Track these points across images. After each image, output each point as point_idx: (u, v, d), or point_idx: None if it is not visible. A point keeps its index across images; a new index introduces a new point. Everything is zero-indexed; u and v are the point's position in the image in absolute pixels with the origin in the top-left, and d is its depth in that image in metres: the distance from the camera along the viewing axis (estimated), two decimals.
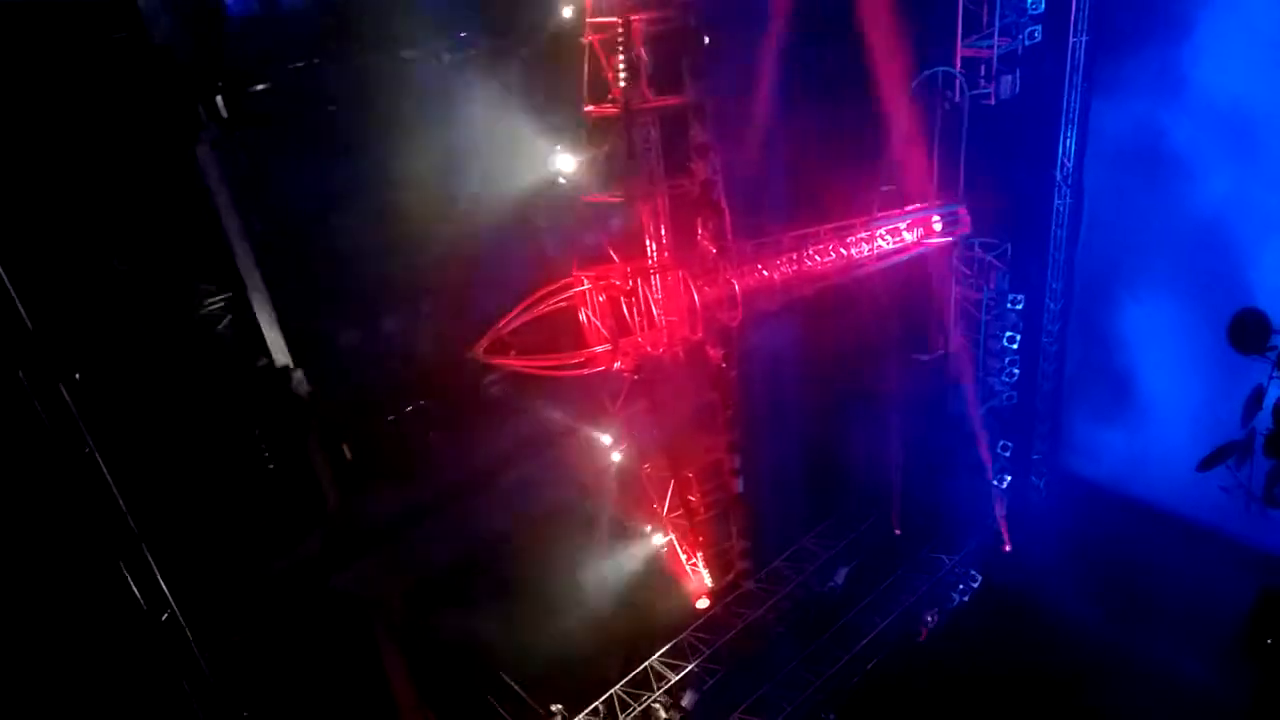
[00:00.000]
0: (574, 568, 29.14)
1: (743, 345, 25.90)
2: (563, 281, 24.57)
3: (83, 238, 19.69)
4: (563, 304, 24.45)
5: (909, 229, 27.38)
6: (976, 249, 29.88)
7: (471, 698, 27.53)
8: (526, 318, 24.13)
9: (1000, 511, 33.85)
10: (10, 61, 17.93)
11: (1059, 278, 31.66)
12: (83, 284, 19.87)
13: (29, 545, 20.03)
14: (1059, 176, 30.09)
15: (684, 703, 28.42)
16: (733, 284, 24.14)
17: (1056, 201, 30.50)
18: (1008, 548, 33.87)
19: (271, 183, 22.95)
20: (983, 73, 27.20)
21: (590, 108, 23.18)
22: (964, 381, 32.14)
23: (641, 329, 24.47)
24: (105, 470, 20.24)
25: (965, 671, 28.76)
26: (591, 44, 22.31)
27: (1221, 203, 27.06)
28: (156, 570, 21.57)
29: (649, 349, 24.71)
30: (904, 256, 27.51)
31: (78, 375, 19.54)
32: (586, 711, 28.07)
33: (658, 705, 28.52)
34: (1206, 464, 9.83)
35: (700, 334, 24.51)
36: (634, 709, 28.27)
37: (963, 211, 28.19)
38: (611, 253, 24.63)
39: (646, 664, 29.22)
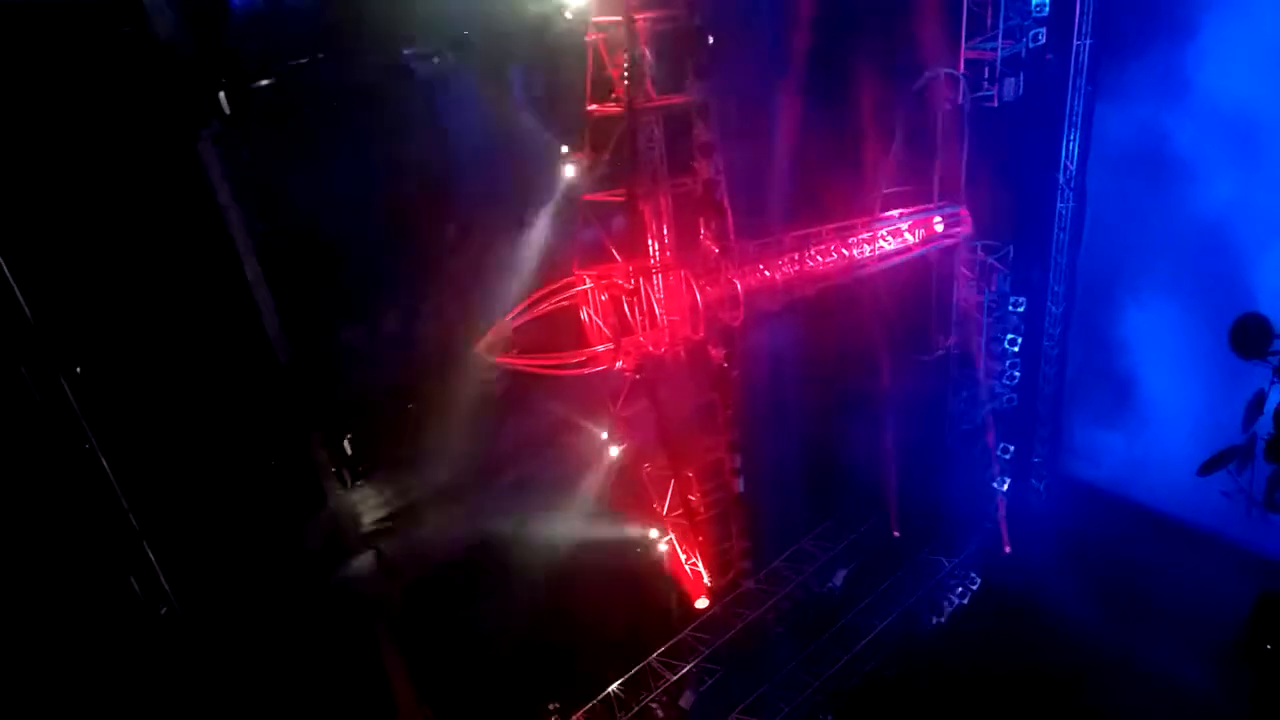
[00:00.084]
0: (573, 566, 29.13)
1: (744, 345, 25.89)
2: (565, 280, 24.57)
3: (85, 233, 19.70)
4: (565, 303, 24.45)
5: (910, 230, 27.39)
6: (978, 251, 29.85)
7: (470, 695, 27.51)
8: (529, 316, 24.14)
9: (1000, 514, 33.83)
10: (14, 57, 17.94)
11: (1061, 281, 31.64)
12: (85, 279, 19.88)
13: (30, 540, 20.03)
14: (1062, 179, 30.07)
15: (682, 703, 28.39)
16: (735, 284, 24.13)
17: (1059, 204, 30.48)
18: (1008, 550, 33.83)
19: (273, 179, 22.96)
20: (986, 75, 27.18)
21: (593, 107, 23.17)
22: (965, 383, 32.16)
23: (643, 328, 24.46)
24: (106, 465, 20.27)
25: (964, 673, 28.76)
26: (595, 43, 22.29)
27: (1224, 207, 27.03)
28: (156, 565, 21.59)
29: (651, 348, 24.70)
30: (905, 257, 27.51)
31: (79, 369, 19.56)
32: (584, 710, 28.05)
33: (655, 705, 28.49)
34: (1207, 468, 9.82)
35: (702, 333, 24.50)
36: (632, 708, 28.24)
37: (964, 213, 28.19)
38: (614, 252, 24.63)
39: (645, 663, 29.18)
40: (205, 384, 22.20)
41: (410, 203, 25.86)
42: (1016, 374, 31.79)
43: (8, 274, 18.34)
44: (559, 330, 24.85)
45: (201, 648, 22.64)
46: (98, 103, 19.15)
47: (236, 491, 23.14)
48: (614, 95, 22.69)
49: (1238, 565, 26.99)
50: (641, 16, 21.70)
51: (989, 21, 26.71)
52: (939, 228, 27.95)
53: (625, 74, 22.11)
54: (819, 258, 25.65)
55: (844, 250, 26.07)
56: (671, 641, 29.77)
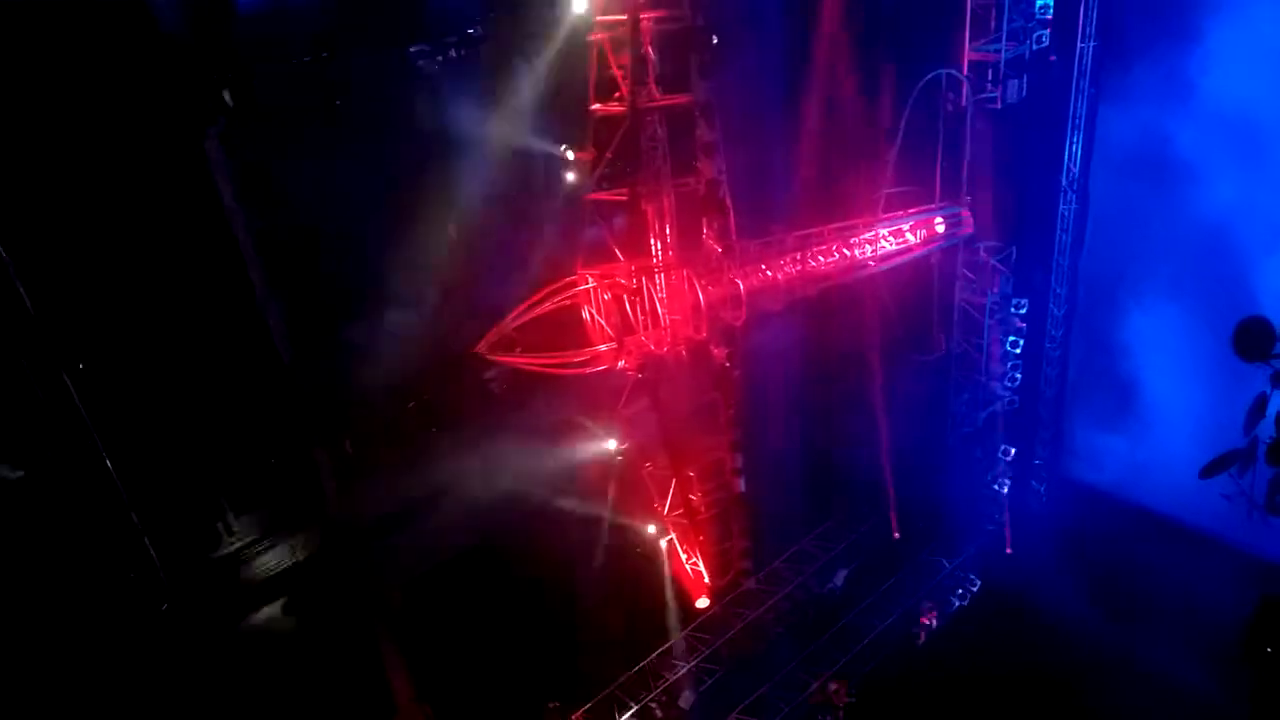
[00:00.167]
0: (573, 565, 29.16)
1: (745, 345, 25.91)
2: (568, 279, 24.58)
3: (89, 229, 19.73)
4: (567, 302, 24.45)
5: (912, 230, 27.40)
6: (981, 252, 29.84)
7: (469, 694, 27.53)
8: (531, 315, 24.14)
9: (1001, 515, 33.84)
10: (18, 52, 17.97)
11: (1063, 283, 31.64)
12: (88, 275, 19.91)
13: (31, 536, 20.07)
14: (1065, 181, 30.06)
15: (681, 702, 28.40)
16: (737, 283, 24.15)
17: (1062, 206, 30.47)
18: (1009, 550, 33.83)
19: (277, 176, 23.00)
20: (990, 77, 27.17)
21: (597, 106, 23.19)
22: (966, 385, 32.16)
23: (645, 327, 24.47)
24: (108, 462, 20.32)
25: (964, 675, 28.73)
26: (599, 42, 22.31)
27: (1227, 210, 27.02)
28: (157, 561, 21.64)
29: (653, 348, 24.71)
30: (907, 257, 27.52)
31: (81, 366, 19.61)
32: (584, 710, 28.05)
33: (654, 705, 28.49)
34: (1208, 471, 9.78)
35: (704, 333, 24.51)
36: (632, 708, 28.24)
37: (965, 213, 28.20)
38: (616, 251, 24.64)
39: (645, 663, 29.18)
40: (207, 381, 22.25)
41: (413, 201, 25.89)
42: (1018, 376, 31.77)
43: (11, 270, 18.38)
44: (561, 330, 24.86)
45: (202, 646, 22.69)
46: (103, 99, 19.19)
47: (237, 490, 23.21)
48: (617, 95, 22.71)
49: (1238, 568, 26.99)
50: (645, 16, 21.72)
51: (993, 23, 26.69)
52: (940, 228, 27.95)
53: (628, 73, 22.12)
54: (820, 258, 25.66)
55: (845, 250, 26.07)
56: (671, 641, 29.77)
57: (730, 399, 26.08)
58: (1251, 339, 8.99)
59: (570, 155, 25.66)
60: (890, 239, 27.00)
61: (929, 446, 33.38)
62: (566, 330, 24.87)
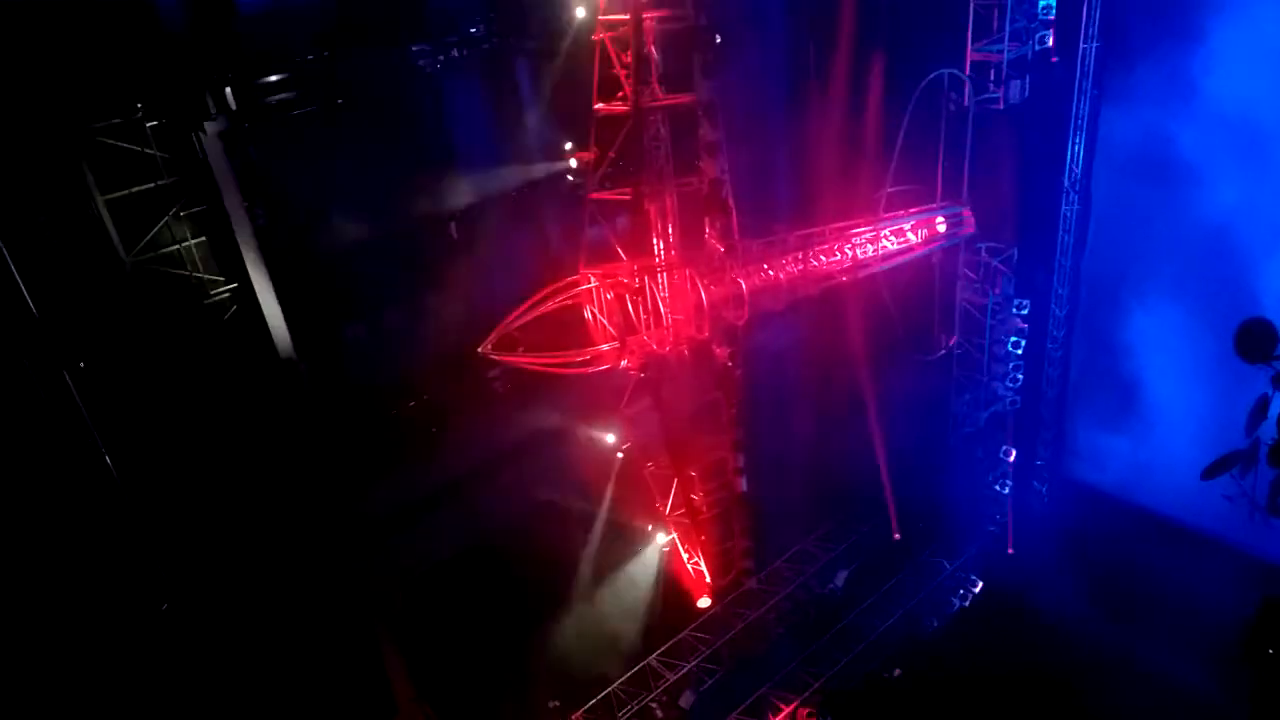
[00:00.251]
0: (574, 564, 29.18)
1: (747, 344, 25.91)
2: (570, 279, 24.59)
3: (90, 228, 19.72)
4: (569, 301, 24.47)
5: (913, 229, 27.40)
6: (983, 253, 29.82)
7: (469, 693, 27.55)
8: (534, 314, 24.15)
9: (1003, 516, 33.82)
10: (20, 49, 17.97)
11: (1065, 284, 31.61)
12: (89, 274, 19.90)
13: (32, 534, 20.07)
14: (1067, 182, 30.04)
15: (682, 702, 28.40)
16: (740, 283, 24.15)
17: (1064, 207, 30.45)
18: (1011, 550, 33.81)
19: (278, 174, 23.00)
20: (992, 77, 27.15)
21: (600, 105, 23.19)
22: (967, 385, 32.15)
23: (648, 327, 24.48)
24: (109, 460, 20.30)
25: (965, 676, 28.73)
26: (603, 41, 22.31)
27: (1229, 211, 27.00)
28: (157, 560, 21.62)
29: (655, 347, 24.72)
30: (909, 257, 27.52)
31: (82, 364, 19.59)
32: (584, 709, 28.06)
33: (655, 704, 28.50)
34: (1210, 472, 9.77)
35: (707, 333, 24.52)
36: (631, 707, 28.25)
37: (967, 213, 28.19)
38: (619, 250, 24.65)
39: (645, 662, 29.19)
40: (208, 380, 22.22)
41: (415, 200, 25.91)
42: (1020, 376, 31.73)
43: (13, 269, 18.38)
44: (562, 329, 24.87)
45: (202, 644, 22.68)
46: (105, 97, 19.18)
47: (238, 488, 23.16)
48: (620, 94, 22.71)
49: (1240, 569, 27.00)
50: (648, 15, 21.73)
51: (995, 24, 26.68)
52: (942, 228, 27.96)
53: (631, 73, 22.12)
54: (822, 257, 25.67)
55: (847, 250, 26.08)
56: (672, 641, 29.78)
57: (732, 398, 26.08)
58: (1253, 340, 8.98)
59: (573, 155, 25.66)
60: (892, 238, 27.00)
61: (930, 447, 33.38)
62: (569, 330, 24.89)
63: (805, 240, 25.48)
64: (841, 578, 32.22)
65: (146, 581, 21.77)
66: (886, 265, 27.14)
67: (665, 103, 23.03)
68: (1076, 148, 29.55)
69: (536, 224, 27.34)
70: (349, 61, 23.61)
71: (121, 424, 20.49)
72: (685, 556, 28.33)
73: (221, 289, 21.90)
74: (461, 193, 26.66)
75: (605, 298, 24.47)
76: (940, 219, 27.90)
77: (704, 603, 29.44)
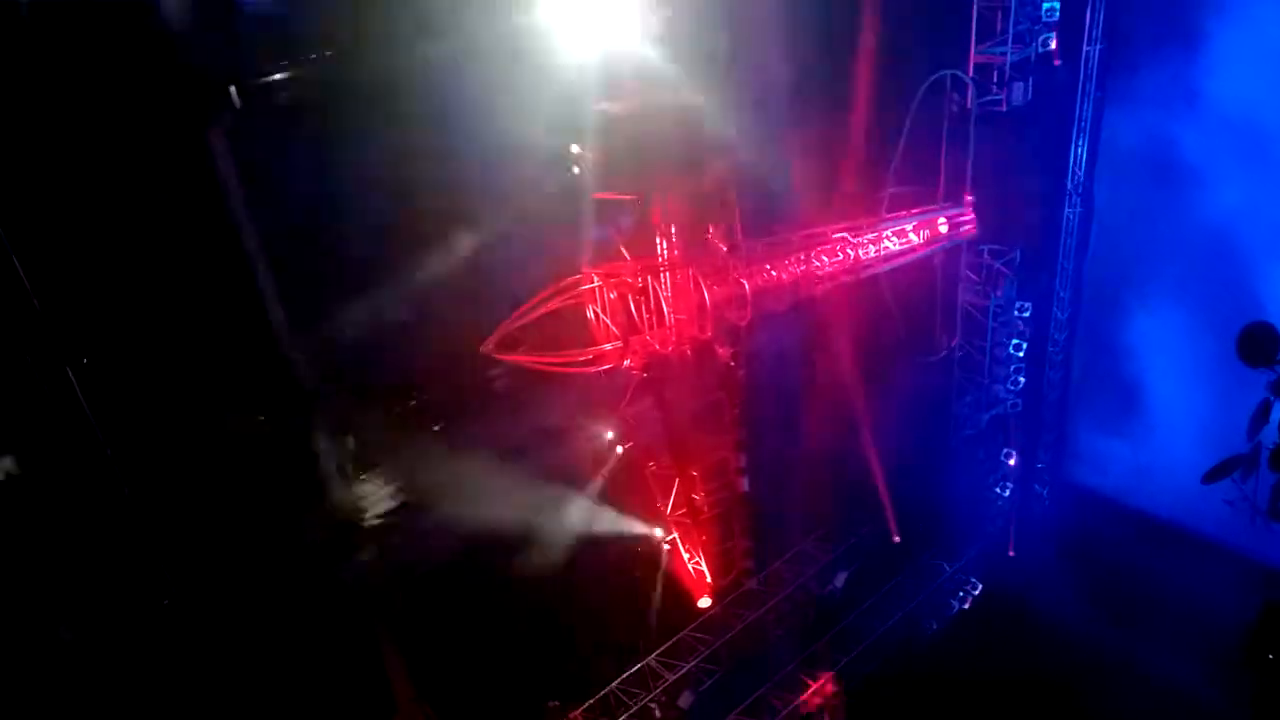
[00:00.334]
0: (575, 564, 29.13)
1: (750, 344, 25.92)
2: (573, 278, 24.59)
3: (93, 225, 19.73)
4: (572, 301, 24.47)
5: (915, 230, 27.41)
6: (985, 255, 29.84)
7: (469, 693, 27.53)
8: (537, 314, 24.15)
9: (1003, 518, 33.83)
10: (22, 47, 17.98)
11: (1067, 286, 31.60)
12: (92, 270, 19.91)
13: (32, 531, 20.08)
14: (1070, 185, 30.04)
15: (681, 703, 28.38)
16: (742, 283, 24.15)
17: (1066, 210, 30.44)
18: (1011, 553, 33.81)
19: (281, 173, 22.98)
20: (995, 79, 27.17)
21: (604, 105, 23.16)
22: (969, 388, 32.16)
23: (651, 327, 24.48)
24: (110, 456, 20.30)
25: (964, 679, 28.73)
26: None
27: (1232, 214, 27.00)
28: (157, 556, 21.62)
29: (658, 347, 24.72)
30: (911, 258, 27.53)
31: (85, 360, 19.59)
32: (583, 709, 28.05)
33: (654, 705, 28.49)
34: (1211, 476, 9.80)
35: (709, 332, 24.52)
36: (630, 707, 28.24)
37: (969, 215, 28.19)
38: (622, 250, 24.65)
39: (644, 662, 29.18)
40: (210, 376, 22.22)
41: (418, 198, 25.88)
42: (1021, 379, 31.78)
43: (16, 264, 18.38)
44: (564, 328, 24.87)
45: (202, 642, 22.68)
46: (107, 95, 19.18)
47: (238, 485, 23.16)
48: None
49: (1240, 574, 26.97)
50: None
51: (999, 25, 26.69)
52: (943, 229, 27.96)
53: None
54: (825, 258, 25.68)
55: (850, 250, 26.08)
56: (671, 641, 29.76)
57: (734, 398, 26.09)
58: (1256, 344, 9.01)
59: (577, 153, 25.62)
60: (894, 239, 27.01)
61: (931, 449, 33.37)
62: (570, 329, 24.89)
63: (808, 240, 25.48)
64: (841, 579, 32.18)
65: (148, 578, 21.77)
66: (889, 266, 27.14)
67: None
68: (1079, 150, 29.53)
69: (539, 223, 27.29)
70: (354, 59, 23.59)
71: (124, 420, 20.49)
72: (686, 556, 28.33)
73: (225, 286, 21.90)
74: (465, 191, 26.62)
75: (608, 297, 24.47)
76: (942, 220, 27.91)
77: (704, 603, 29.44)
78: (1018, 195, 28.94)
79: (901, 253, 27.26)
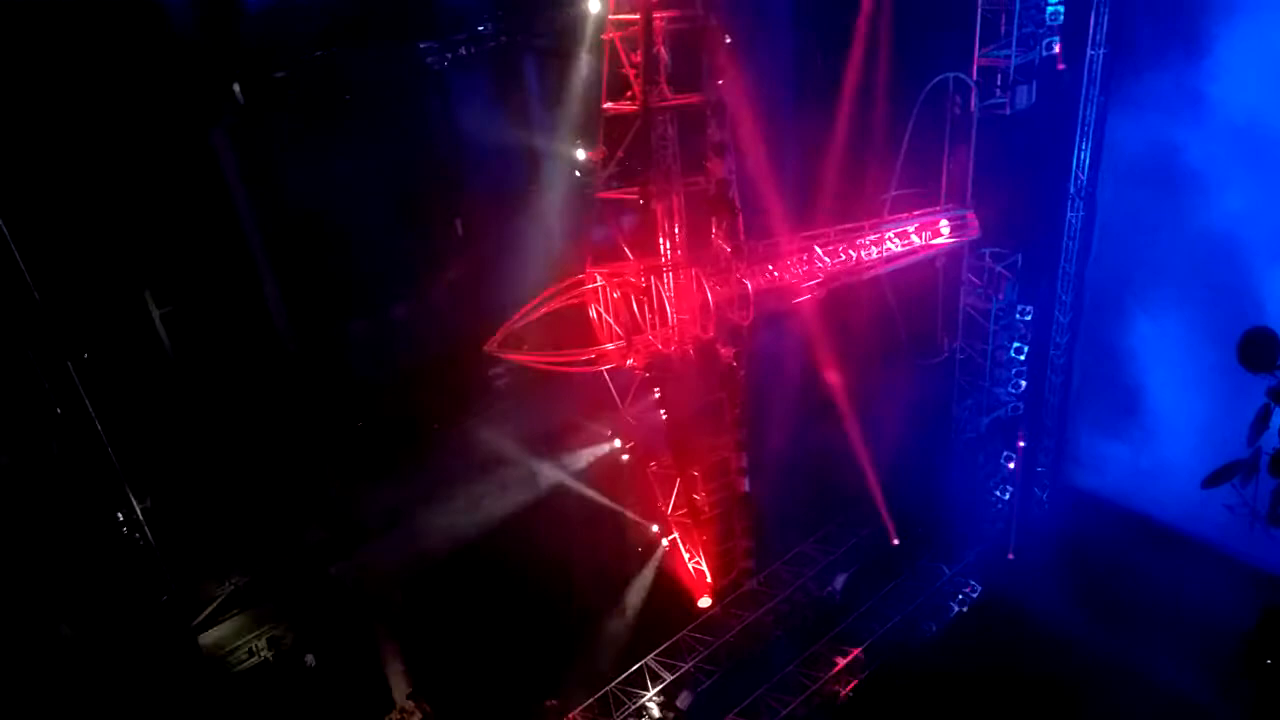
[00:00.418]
0: (574, 563, 29.17)
1: (752, 345, 25.94)
2: (576, 278, 24.63)
3: (98, 221, 19.78)
4: (575, 300, 24.52)
5: (917, 232, 27.44)
6: (987, 258, 29.83)
7: (467, 691, 27.56)
8: (540, 313, 24.19)
9: (1003, 522, 33.82)
10: (28, 45, 18.01)
11: (1069, 290, 31.54)
12: (96, 266, 19.96)
13: (32, 527, 20.10)
14: (1072, 189, 29.99)
15: (679, 703, 28.39)
16: (745, 283, 24.18)
17: (1069, 214, 30.39)
18: (1011, 556, 33.80)
19: (285, 170, 23.04)
20: (999, 82, 27.15)
21: (609, 104, 23.21)
22: (970, 391, 32.15)
23: (653, 326, 24.52)
24: (110, 452, 20.34)
25: (962, 682, 28.67)
26: (612, 40, 22.33)
27: (1234, 220, 26.96)
28: (158, 553, 21.67)
29: (660, 346, 24.75)
30: (913, 259, 27.55)
31: (86, 355, 19.64)
32: (581, 708, 28.06)
33: (652, 705, 28.50)
34: (1211, 481, 9.81)
35: (712, 332, 24.55)
36: (628, 707, 28.25)
37: (970, 216, 28.20)
38: (626, 250, 24.68)
39: (643, 662, 29.19)
40: (212, 373, 22.29)
41: (421, 197, 25.93)
42: (1023, 383, 31.77)
43: (19, 260, 18.42)
44: (565, 327, 24.91)
45: (199, 635, 22.73)
46: (111, 91, 19.23)
47: (240, 481, 23.23)
48: (629, 93, 22.74)
49: (1239, 579, 26.94)
50: (658, 15, 21.75)
51: (1003, 29, 26.67)
52: (945, 230, 27.98)
53: (640, 72, 22.14)
54: (827, 259, 25.70)
55: (852, 251, 26.11)
56: (670, 641, 29.78)
57: (736, 399, 26.12)
58: (1257, 349, 9.01)
59: (581, 153, 25.67)
60: (896, 240, 27.04)
61: (932, 451, 33.36)
62: (573, 328, 24.93)
63: (810, 241, 25.51)
64: (840, 581, 32.19)
65: (146, 574, 21.81)
66: (890, 267, 27.17)
67: (674, 102, 23.06)
68: (1083, 154, 29.47)
69: (543, 222, 27.32)
70: (356, 59, 23.63)
71: (124, 415, 20.53)
72: (686, 556, 28.35)
73: (228, 283, 21.95)
74: (467, 190, 26.67)
75: (611, 297, 24.50)
76: (944, 222, 27.93)
77: (704, 602, 29.47)
78: (1020, 198, 28.93)
79: (903, 254, 27.27)
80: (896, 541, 33.07)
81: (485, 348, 24.35)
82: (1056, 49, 27.21)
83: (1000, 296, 29.95)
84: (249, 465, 23.73)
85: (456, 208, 26.81)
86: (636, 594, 30.21)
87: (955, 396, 32.71)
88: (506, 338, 24.16)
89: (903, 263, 27.43)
